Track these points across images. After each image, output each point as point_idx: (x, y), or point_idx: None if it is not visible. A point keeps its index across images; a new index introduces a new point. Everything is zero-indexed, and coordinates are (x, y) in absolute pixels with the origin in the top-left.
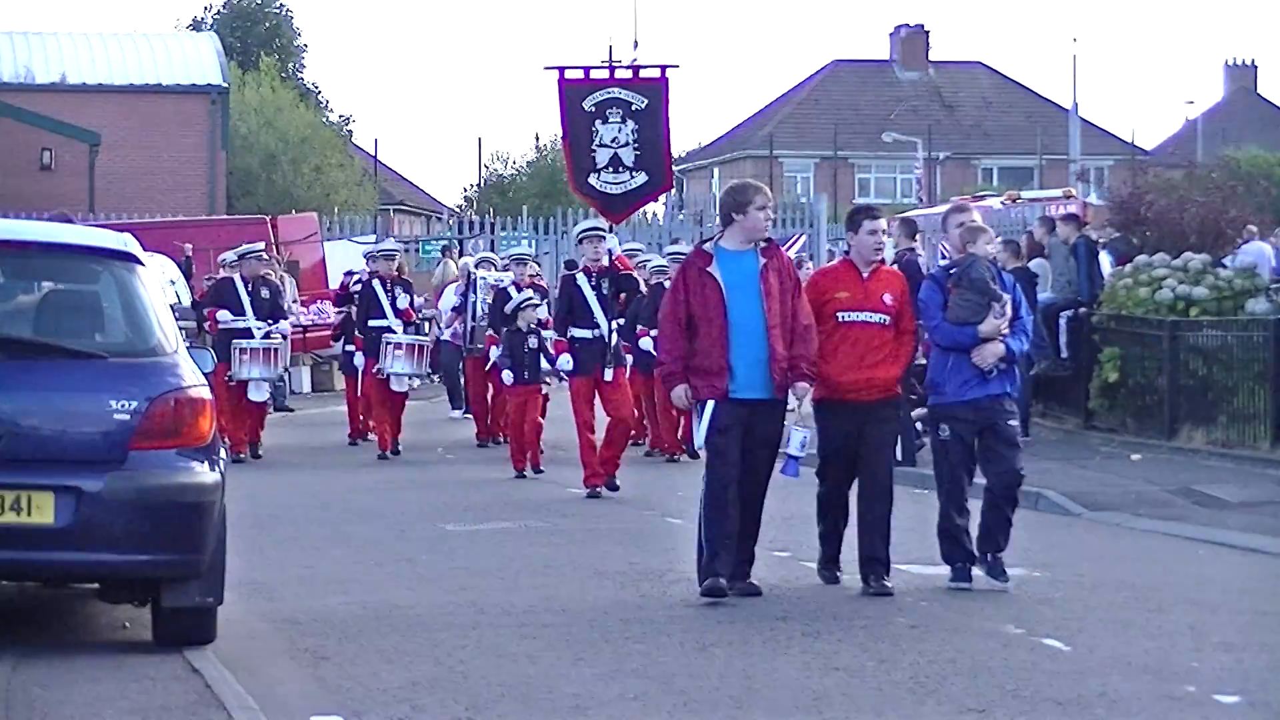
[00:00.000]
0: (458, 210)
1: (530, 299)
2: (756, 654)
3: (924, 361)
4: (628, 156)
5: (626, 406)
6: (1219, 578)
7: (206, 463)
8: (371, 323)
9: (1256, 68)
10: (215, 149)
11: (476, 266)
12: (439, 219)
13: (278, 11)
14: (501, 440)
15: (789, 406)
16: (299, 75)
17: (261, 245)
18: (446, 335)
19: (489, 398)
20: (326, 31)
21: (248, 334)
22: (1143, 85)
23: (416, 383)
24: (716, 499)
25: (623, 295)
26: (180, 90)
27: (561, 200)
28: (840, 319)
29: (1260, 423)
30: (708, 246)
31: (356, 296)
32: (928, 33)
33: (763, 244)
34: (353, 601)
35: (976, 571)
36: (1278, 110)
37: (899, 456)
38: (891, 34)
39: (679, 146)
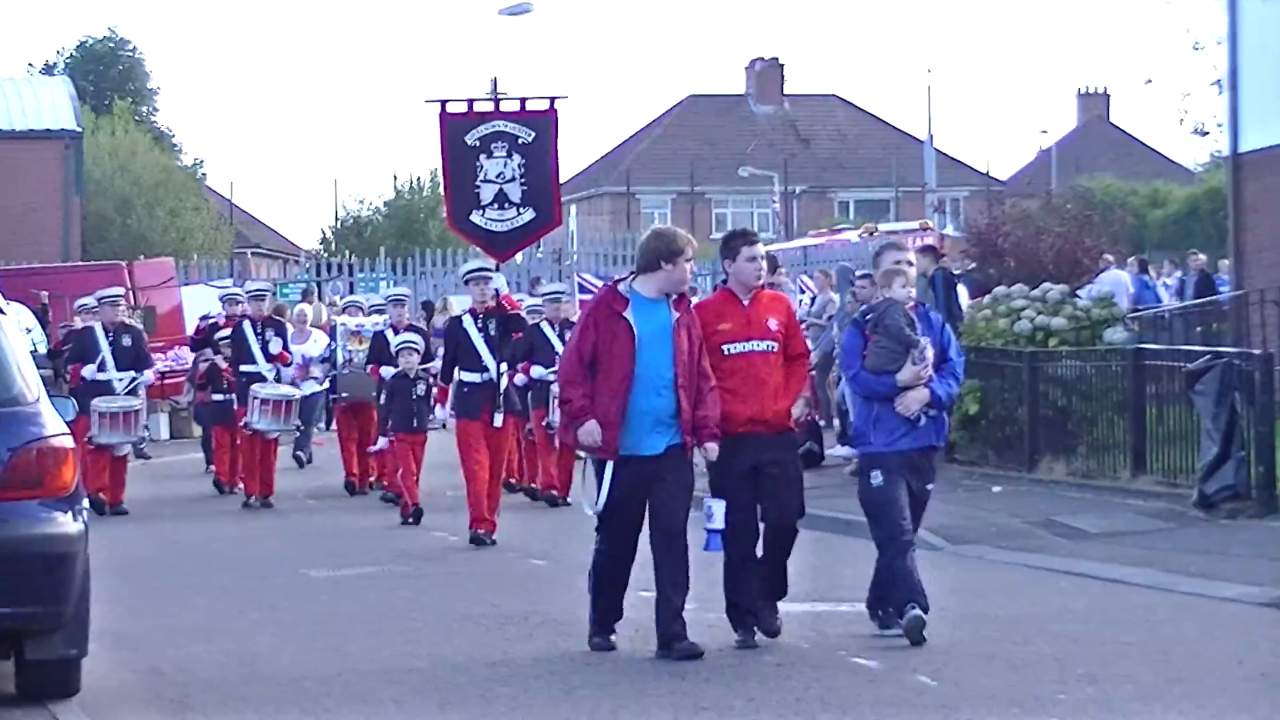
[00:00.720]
0: (314, 253)
1: (410, 341)
2: (624, 695)
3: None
4: (514, 192)
5: (503, 453)
6: (1081, 609)
7: (69, 513)
8: (242, 368)
9: (1109, 96)
10: (70, 194)
11: (342, 312)
12: (296, 261)
13: (130, 54)
14: (370, 488)
15: (697, 465)
16: (152, 119)
17: (120, 291)
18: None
19: (356, 445)
20: (179, 74)
21: (109, 388)
22: (997, 115)
23: (276, 434)
24: (606, 569)
25: (514, 335)
26: (34, 135)
27: (419, 240)
28: (726, 352)
29: (1119, 452)
30: (623, 288)
31: (225, 341)
32: (782, 66)
33: (674, 296)
34: (216, 650)
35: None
36: (1130, 139)
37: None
38: (747, 68)
39: None
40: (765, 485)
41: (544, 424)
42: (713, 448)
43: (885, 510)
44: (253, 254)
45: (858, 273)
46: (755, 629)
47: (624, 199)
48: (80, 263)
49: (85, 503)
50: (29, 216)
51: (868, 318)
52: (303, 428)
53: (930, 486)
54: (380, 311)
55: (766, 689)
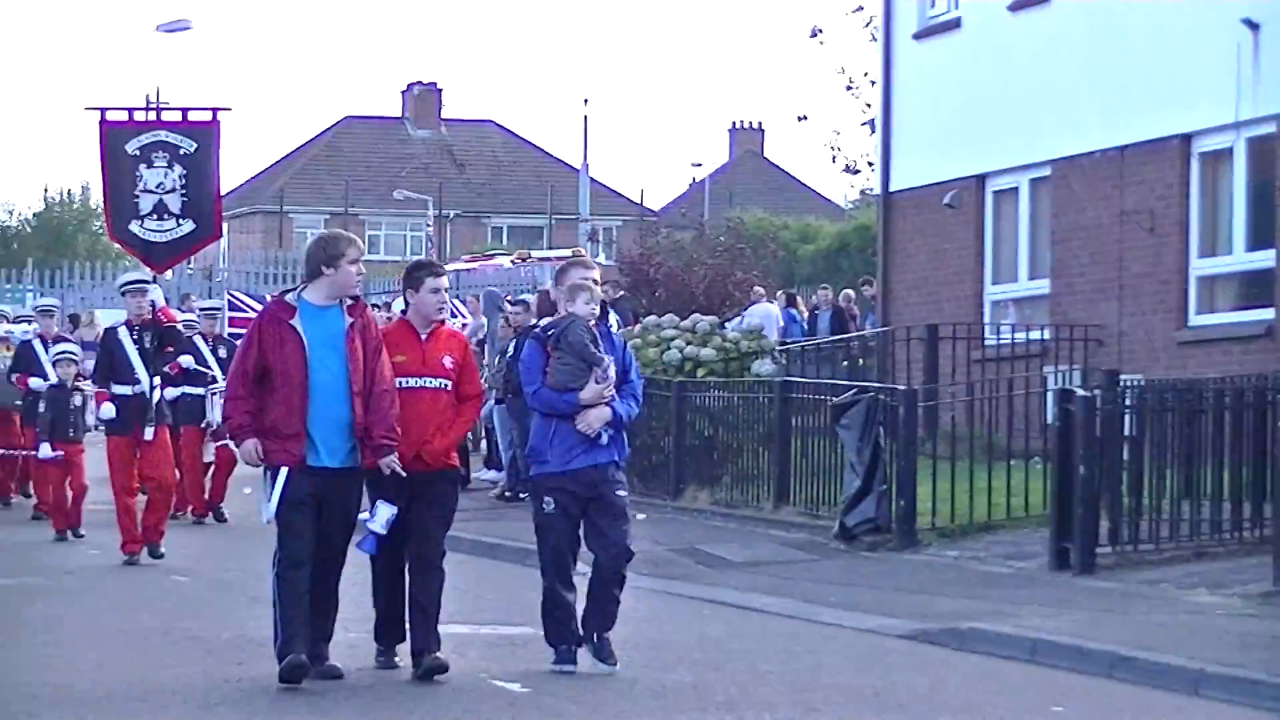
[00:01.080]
0: None
1: (69, 352)
2: (263, 714)
3: None
4: (174, 203)
5: (167, 466)
6: (722, 636)
7: None
8: None
9: (763, 131)
10: None
11: (14, 321)
12: None
13: None
14: (12, 500)
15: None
16: None
17: None
18: None
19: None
20: None
21: None
22: (651, 146)
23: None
24: (289, 579)
25: (169, 348)
26: None
27: (67, 253)
28: (399, 385)
29: (764, 483)
30: (290, 298)
31: None
32: (440, 90)
33: (349, 301)
34: None
35: (582, 653)
36: (783, 174)
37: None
38: (404, 91)
39: None
40: (416, 515)
41: (209, 434)
42: (392, 461)
43: (550, 537)
44: None
45: (509, 298)
46: (395, 650)
47: (277, 218)
48: None
49: None
50: None
51: (549, 333)
52: None
53: (622, 494)
54: (27, 321)
55: (404, 711)
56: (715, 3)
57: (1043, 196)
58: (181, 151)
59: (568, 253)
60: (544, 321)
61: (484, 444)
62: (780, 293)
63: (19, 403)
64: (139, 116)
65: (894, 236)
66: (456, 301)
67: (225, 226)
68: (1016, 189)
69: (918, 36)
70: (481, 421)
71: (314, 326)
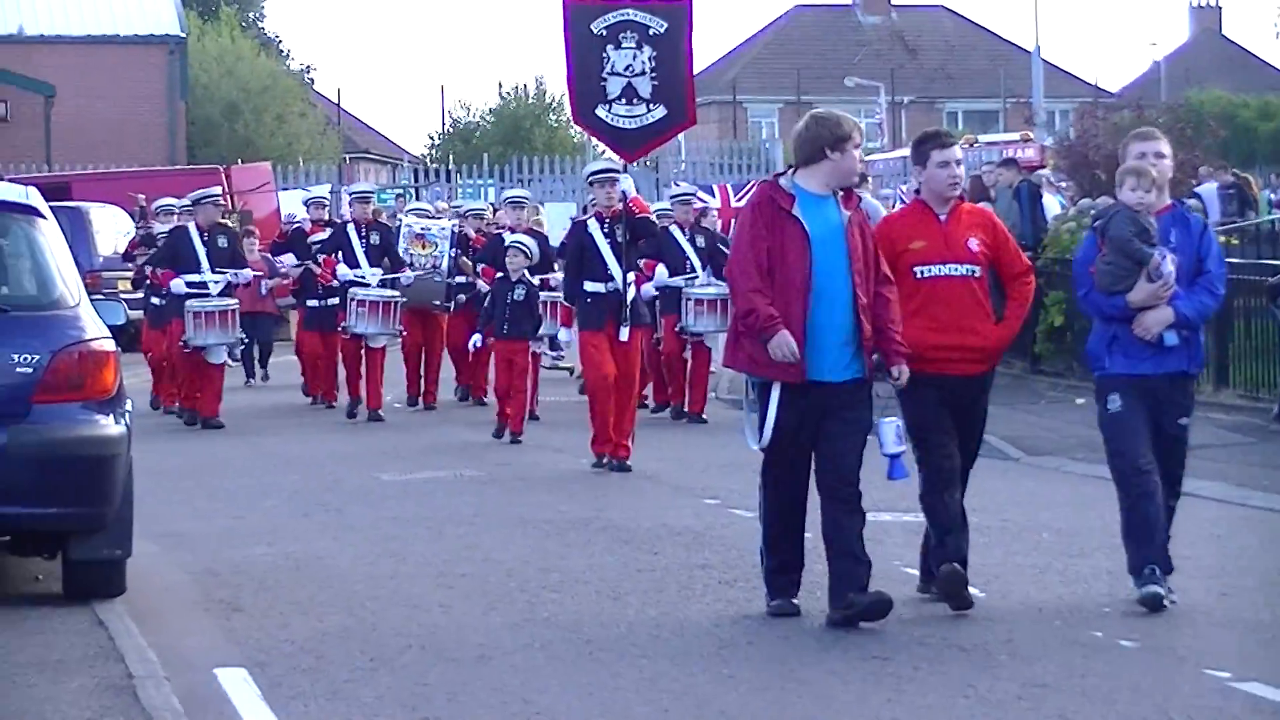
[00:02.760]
0: (420, 158)
1: (521, 243)
2: (670, 603)
3: None
4: (644, 87)
5: (635, 367)
6: None
7: (111, 415)
8: (341, 273)
9: (1221, 9)
10: (175, 99)
11: (405, 214)
12: (404, 166)
13: None
14: (484, 400)
15: (877, 393)
16: (259, 25)
17: (217, 190)
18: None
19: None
20: None
21: (203, 289)
22: (1107, 28)
23: (383, 340)
24: (779, 518)
25: (641, 242)
26: (138, 41)
27: (524, 148)
28: (918, 275)
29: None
30: (785, 183)
31: (318, 246)
32: None
33: (841, 192)
34: (274, 552)
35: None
36: (1243, 51)
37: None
38: None
39: None
40: (959, 423)
41: (676, 330)
42: (903, 370)
43: (1124, 440)
44: (360, 159)
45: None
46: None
47: (730, 108)
48: (177, 166)
49: (128, 405)
50: (134, 122)
51: (1096, 224)
52: (246, 339)
53: (1185, 421)
54: (467, 215)
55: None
56: None
57: None
58: (651, 31)
59: (1016, 137)
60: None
61: None
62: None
63: (439, 303)
64: None
65: None
66: (903, 188)
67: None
68: None
69: None
70: None
71: (814, 218)
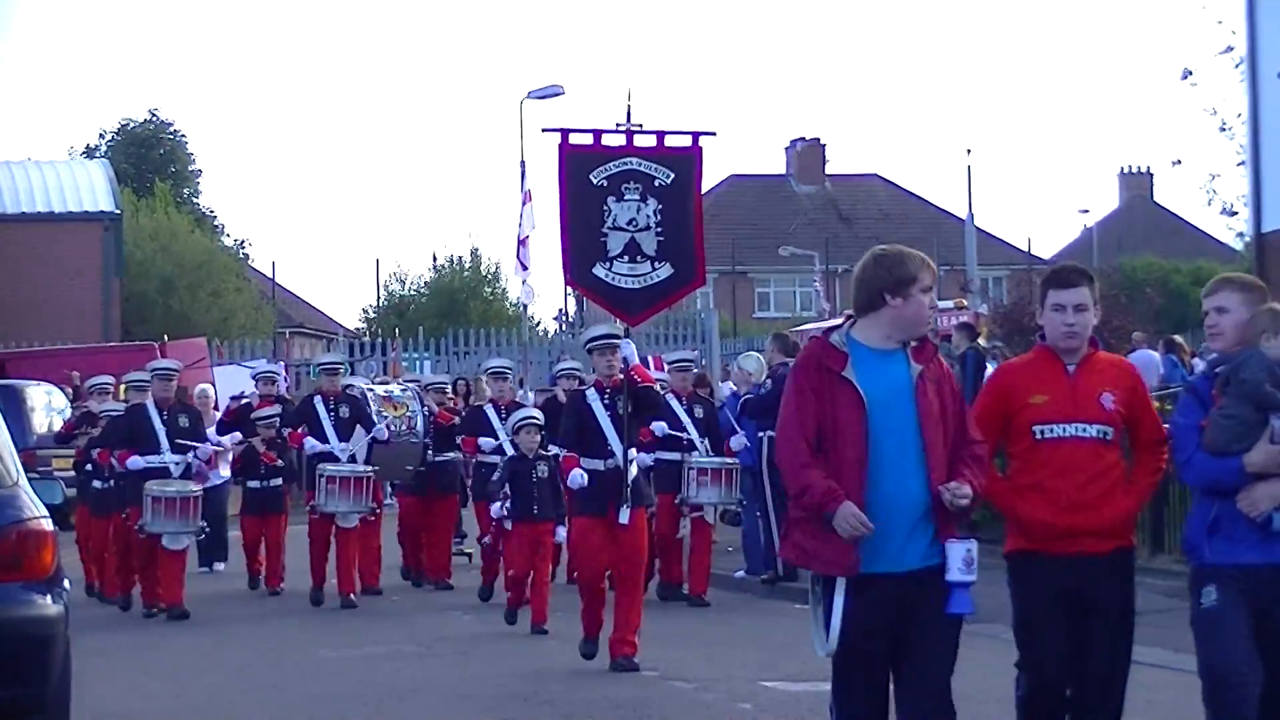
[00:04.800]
0: (356, 331)
1: (532, 417)
2: None
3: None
4: (648, 243)
5: (640, 556)
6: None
7: (49, 595)
8: (310, 445)
9: (1152, 176)
10: (110, 276)
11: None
12: (339, 340)
13: (171, 136)
14: (445, 583)
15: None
16: (194, 200)
17: (176, 365)
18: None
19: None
20: (222, 156)
21: (164, 473)
22: (1038, 194)
23: (354, 519)
24: None
25: (645, 414)
26: (73, 218)
27: (460, 320)
28: (1039, 435)
29: (1139, 531)
30: (837, 339)
31: (265, 422)
32: (824, 146)
33: (913, 343)
34: None
35: None
36: (1174, 217)
37: (781, 570)
38: (788, 148)
39: None
40: (1088, 627)
41: (676, 503)
42: (962, 489)
43: (1216, 639)
44: (295, 333)
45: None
46: None
47: None
48: (112, 343)
49: (66, 584)
50: (69, 299)
51: (1217, 371)
52: (206, 529)
53: None
54: (428, 389)
55: None
56: (1092, 48)
57: None
58: (657, 183)
59: (950, 304)
60: (1212, 356)
61: None
62: (1161, 339)
63: (412, 467)
64: (607, 141)
65: (1270, 278)
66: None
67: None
68: None
69: None
70: None
71: (872, 378)
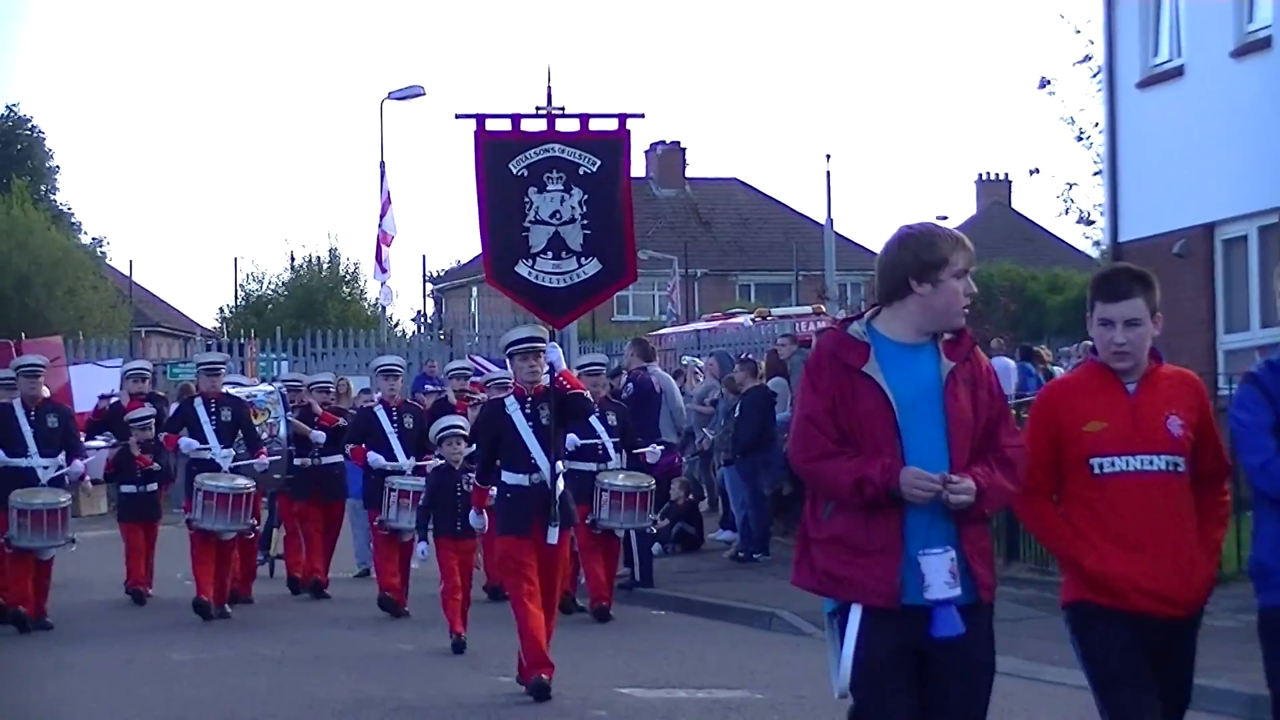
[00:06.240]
0: (211, 331)
1: (456, 426)
2: None
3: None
4: (574, 237)
5: (558, 573)
6: None
7: None
8: (185, 445)
9: (1010, 183)
10: None
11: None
12: (196, 340)
13: (30, 133)
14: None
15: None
16: (52, 197)
17: (42, 361)
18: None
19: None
20: (80, 152)
21: (32, 476)
22: (898, 201)
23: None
24: None
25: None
26: None
27: (318, 320)
28: (1096, 469)
29: (994, 539)
30: (857, 330)
31: (138, 423)
32: (684, 150)
33: (948, 335)
34: None
35: None
36: (1031, 225)
37: (638, 576)
38: (648, 151)
39: (434, 264)
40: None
41: (587, 522)
42: (964, 484)
43: None
44: (152, 332)
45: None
46: None
47: None
48: None
49: None
50: None
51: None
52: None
53: None
54: (311, 388)
55: None
56: (953, 55)
57: (1272, 243)
58: (581, 170)
59: (808, 309)
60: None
61: (719, 503)
62: (1018, 347)
63: (280, 476)
64: (527, 127)
65: None
66: (698, 361)
67: (474, 290)
68: (1245, 236)
69: (1141, 85)
70: (715, 481)
71: (899, 375)
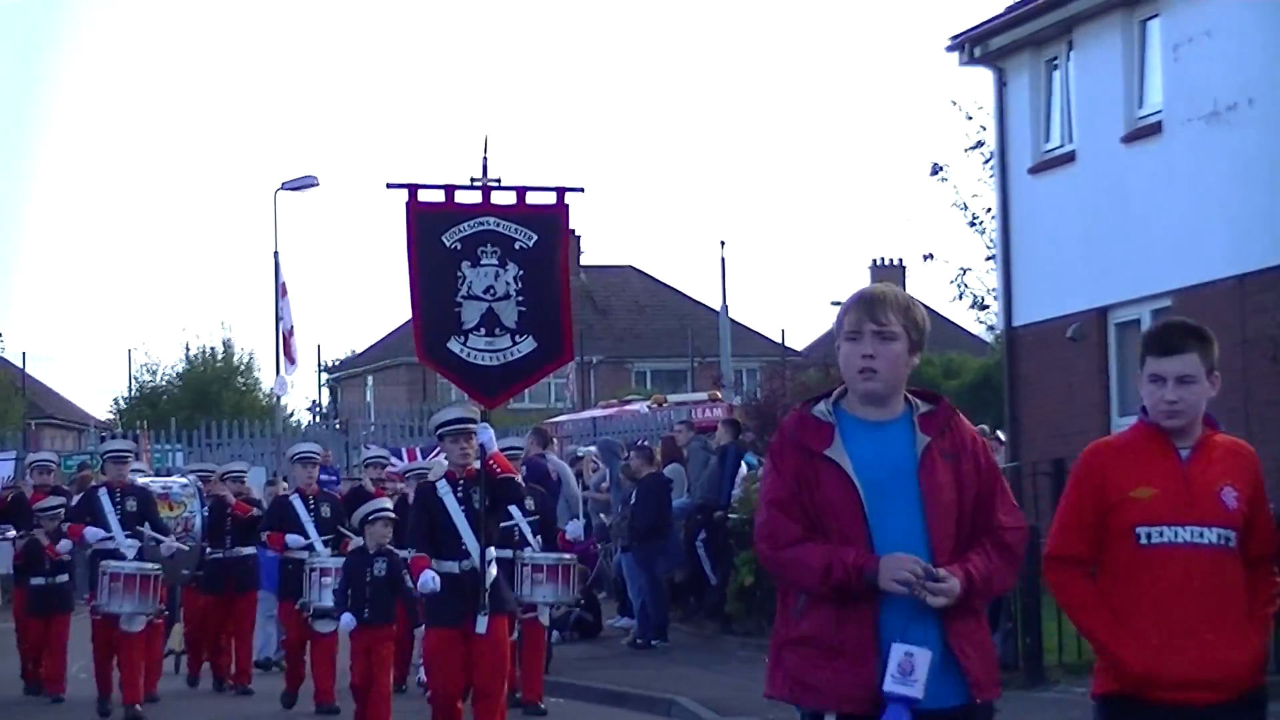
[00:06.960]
0: (105, 423)
1: (384, 509)
2: None
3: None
4: (508, 314)
5: (502, 671)
6: None
7: None
8: (90, 534)
9: (904, 267)
10: None
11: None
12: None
13: None
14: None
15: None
16: None
17: None
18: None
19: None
20: None
21: None
22: (792, 286)
23: (140, 622)
24: None
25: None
26: None
27: (212, 411)
28: (1143, 540)
29: None
30: (821, 410)
31: (47, 514)
32: (579, 237)
33: (922, 406)
34: None
35: None
36: (926, 310)
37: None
38: None
39: (329, 354)
40: None
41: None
42: (946, 585)
43: None
44: (45, 425)
45: (642, 442)
46: None
47: (419, 370)
48: None
49: None
50: None
51: None
52: None
53: None
54: (225, 478)
55: None
56: (846, 141)
57: None
58: (517, 245)
59: (704, 396)
60: None
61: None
62: None
63: (189, 572)
64: (461, 198)
65: (1019, 371)
66: (592, 449)
67: (369, 379)
68: (1138, 320)
69: (1033, 171)
70: (611, 568)
71: (866, 456)
